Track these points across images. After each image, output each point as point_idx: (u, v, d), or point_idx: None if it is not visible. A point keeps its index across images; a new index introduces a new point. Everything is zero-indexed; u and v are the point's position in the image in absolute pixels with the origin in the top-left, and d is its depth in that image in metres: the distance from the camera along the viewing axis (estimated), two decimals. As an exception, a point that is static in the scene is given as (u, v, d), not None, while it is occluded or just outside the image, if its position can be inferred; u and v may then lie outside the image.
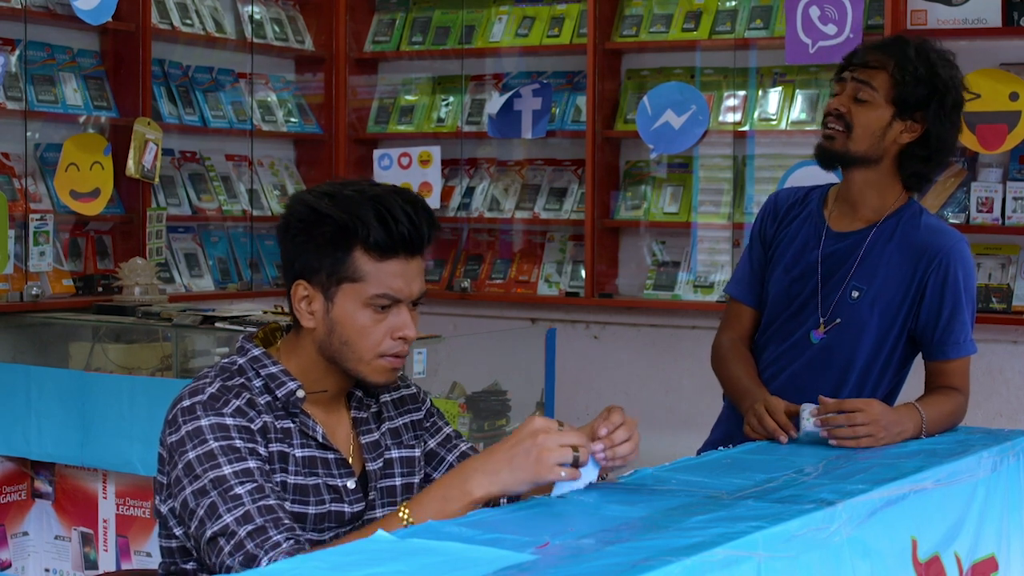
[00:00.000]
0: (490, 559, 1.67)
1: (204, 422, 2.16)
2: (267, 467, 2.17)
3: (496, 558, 1.68)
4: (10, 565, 4.66)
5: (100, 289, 5.33)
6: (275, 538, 2.05)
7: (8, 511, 4.68)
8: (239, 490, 2.10)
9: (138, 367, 4.81)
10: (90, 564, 4.59)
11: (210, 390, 2.21)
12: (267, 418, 2.22)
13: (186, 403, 2.20)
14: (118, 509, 4.50)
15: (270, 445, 2.21)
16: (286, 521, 2.09)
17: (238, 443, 2.15)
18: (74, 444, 4.40)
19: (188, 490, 2.13)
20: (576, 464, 2.02)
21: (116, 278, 5.20)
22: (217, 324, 4.54)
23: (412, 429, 2.44)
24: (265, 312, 4.69)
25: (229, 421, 2.17)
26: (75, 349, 4.97)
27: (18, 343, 5.08)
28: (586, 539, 1.80)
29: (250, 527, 2.06)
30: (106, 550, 4.55)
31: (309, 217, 2.23)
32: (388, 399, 2.45)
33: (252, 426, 2.18)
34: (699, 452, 3.03)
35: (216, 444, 2.14)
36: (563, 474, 2.02)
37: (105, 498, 4.54)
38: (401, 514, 2.06)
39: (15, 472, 4.69)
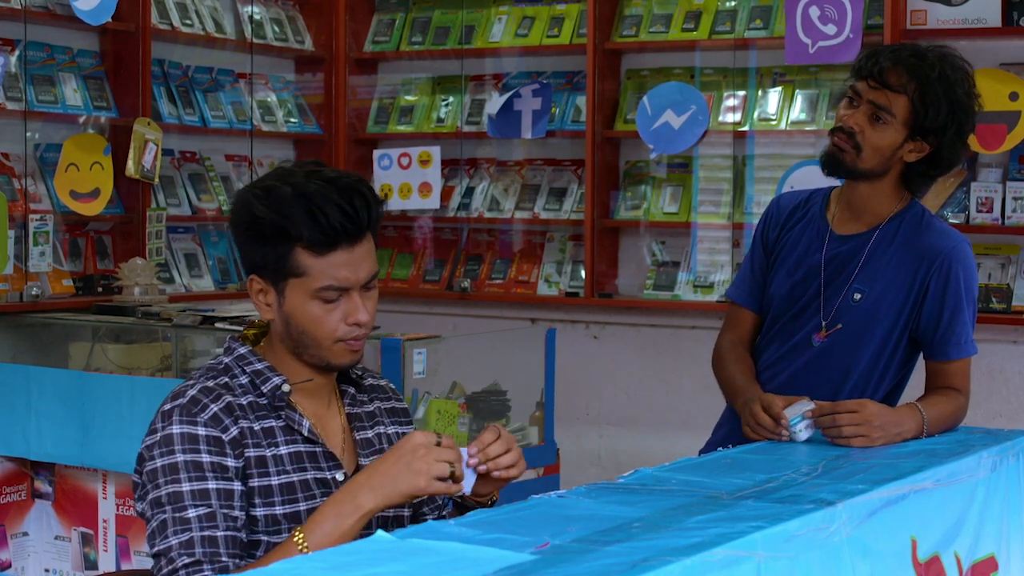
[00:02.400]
0: (490, 559, 1.67)
1: (176, 429, 2.19)
2: (233, 485, 2.19)
3: (496, 558, 1.68)
4: (10, 565, 4.66)
5: (100, 289, 5.33)
6: (206, 573, 2.12)
7: (8, 511, 4.68)
8: (191, 513, 2.14)
9: (138, 367, 4.81)
10: (90, 564, 4.59)
11: (191, 392, 2.24)
12: (245, 424, 2.24)
13: (167, 407, 2.24)
14: (118, 509, 4.49)
15: (246, 451, 2.23)
16: (223, 558, 2.13)
17: (204, 458, 2.18)
18: (74, 444, 4.40)
19: (149, 497, 2.19)
20: (453, 478, 2.13)
21: (116, 278, 5.20)
22: (217, 324, 4.54)
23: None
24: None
25: (201, 431, 2.19)
26: (75, 349, 4.97)
27: (18, 343, 5.08)
28: (586, 539, 1.80)
29: (187, 559, 2.12)
30: (106, 550, 4.55)
31: (248, 218, 2.26)
32: (383, 406, 2.47)
33: (224, 436, 2.20)
34: (700, 453, 3.03)
35: (182, 458, 2.18)
36: (441, 487, 2.12)
37: (105, 498, 4.54)
38: (296, 538, 2.12)
39: (15, 472, 4.69)
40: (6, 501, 4.67)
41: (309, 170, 2.27)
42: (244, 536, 2.19)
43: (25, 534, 4.74)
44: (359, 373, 2.45)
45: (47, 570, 4.73)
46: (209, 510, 2.15)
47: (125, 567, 4.45)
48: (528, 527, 1.87)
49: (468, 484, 2.20)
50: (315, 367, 2.32)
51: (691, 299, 5.72)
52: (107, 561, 4.54)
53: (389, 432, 2.44)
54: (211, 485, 2.17)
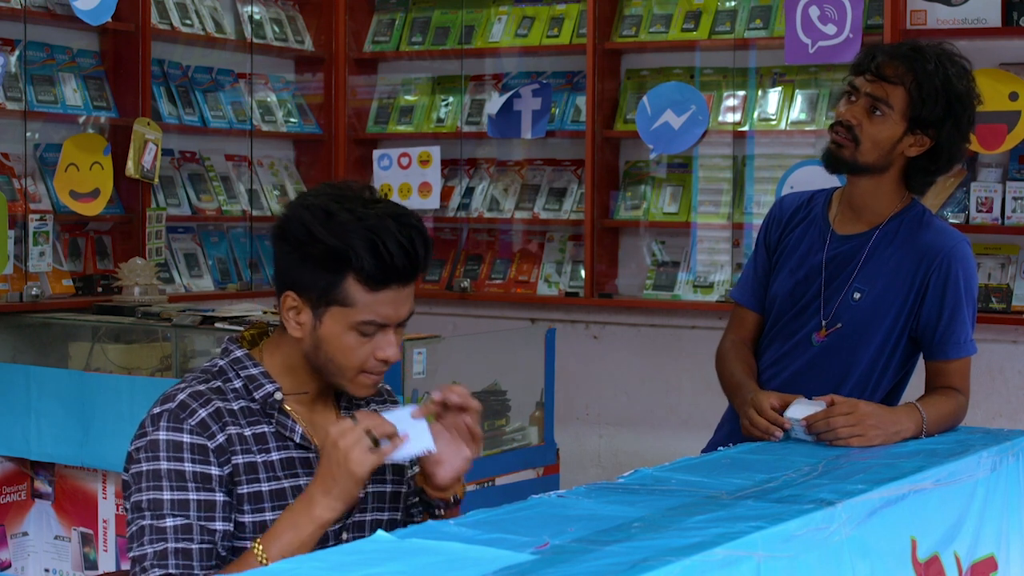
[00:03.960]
0: (490, 559, 1.67)
1: (162, 435, 2.20)
2: (214, 496, 2.19)
3: (496, 558, 1.68)
4: (10, 565, 4.66)
5: (100, 289, 5.33)
6: None
7: (8, 511, 4.68)
8: (168, 523, 2.16)
9: (138, 367, 4.81)
10: (90, 564, 4.59)
11: (181, 396, 2.24)
12: (234, 430, 2.23)
13: (156, 410, 2.24)
14: (118, 509, 4.50)
15: (234, 458, 2.22)
16: (196, 571, 2.15)
17: (187, 466, 2.19)
18: (74, 444, 4.40)
19: (131, 500, 2.20)
20: (376, 443, 2.14)
21: (116, 278, 5.20)
22: (217, 324, 4.53)
23: None
24: (265, 312, 4.69)
25: (186, 439, 2.19)
26: (75, 349, 4.97)
27: (18, 343, 5.08)
28: (586, 539, 1.80)
29: (159, 571, 2.13)
30: (106, 550, 4.55)
31: (304, 237, 2.21)
32: (378, 408, 2.46)
33: (210, 444, 2.20)
34: (702, 453, 3.03)
35: (166, 465, 2.18)
36: (376, 456, 2.13)
37: (105, 498, 4.54)
38: (256, 551, 2.14)
39: (15, 472, 4.69)
40: (6, 501, 4.67)
41: (368, 197, 2.24)
42: (221, 549, 2.19)
43: (25, 534, 4.74)
44: None
45: (47, 570, 4.73)
46: (186, 521, 2.16)
47: (125, 567, 4.45)
48: (528, 527, 1.87)
49: (426, 439, 2.21)
50: (326, 383, 2.33)
51: (691, 299, 5.72)
52: (107, 561, 4.54)
53: None
54: (192, 496, 2.18)
